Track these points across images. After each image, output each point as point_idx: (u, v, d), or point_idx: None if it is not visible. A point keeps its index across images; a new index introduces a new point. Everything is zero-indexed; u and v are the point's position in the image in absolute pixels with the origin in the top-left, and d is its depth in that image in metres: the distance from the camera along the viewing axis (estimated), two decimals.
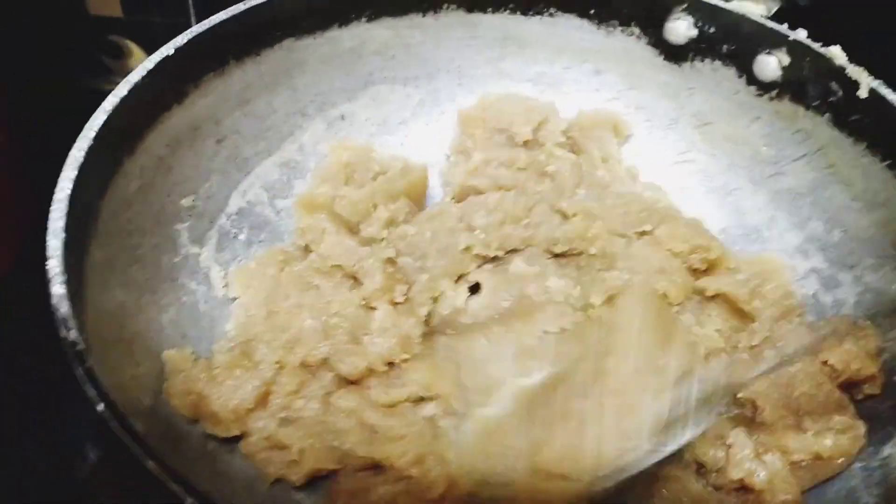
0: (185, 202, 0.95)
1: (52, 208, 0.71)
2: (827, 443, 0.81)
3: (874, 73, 0.92)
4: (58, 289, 0.66)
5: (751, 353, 0.89)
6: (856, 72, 0.92)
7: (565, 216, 0.96)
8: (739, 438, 0.82)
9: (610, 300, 0.88)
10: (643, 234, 0.96)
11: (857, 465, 0.83)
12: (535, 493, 0.77)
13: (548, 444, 0.79)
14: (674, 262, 0.94)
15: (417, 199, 1.04)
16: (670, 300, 0.91)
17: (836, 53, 0.94)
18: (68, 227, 0.71)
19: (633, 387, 0.83)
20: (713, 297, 0.93)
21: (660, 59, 1.09)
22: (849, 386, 0.88)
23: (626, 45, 1.10)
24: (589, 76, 1.15)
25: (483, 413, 0.81)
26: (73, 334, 0.63)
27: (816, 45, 0.95)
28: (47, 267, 0.67)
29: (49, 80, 0.98)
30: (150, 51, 0.87)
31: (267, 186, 1.05)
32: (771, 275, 0.96)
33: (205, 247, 0.97)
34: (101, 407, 0.58)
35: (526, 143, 1.07)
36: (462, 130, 1.10)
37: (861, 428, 0.83)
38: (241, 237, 1.01)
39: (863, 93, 0.92)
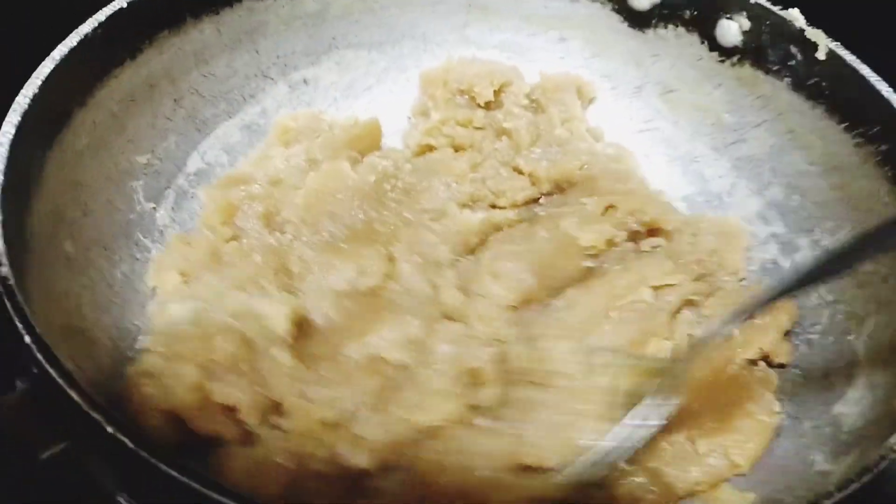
0: (141, 159, 0.94)
1: None
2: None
3: (833, 35, 0.92)
4: None
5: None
6: (814, 34, 0.93)
7: (520, 172, 0.96)
8: None
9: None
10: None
11: (808, 423, 0.83)
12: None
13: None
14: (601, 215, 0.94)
15: (368, 149, 1.04)
16: (580, 244, 0.91)
17: (795, 16, 0.94)
18: (9, 172, 0.71)
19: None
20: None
21: (624, 26, 1.09)
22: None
23: (591, 11, 1.10)
24: (554, 44, 1.14)
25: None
26: (4, 270, 0.62)
27: (776, 8, 0.95)
28: None
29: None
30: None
31: (227, 148, 1.05)
32: (729, 238, 0.96)
33: (161, 205, 0.96)
34: (27, 339, 0.57)
35: (487, 105, 1.07)
36: (423, 91, 1.10)
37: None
38: (199, 197, 1.00)
39: (821, 54, 0.92)
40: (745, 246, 0.98)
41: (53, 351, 0.58)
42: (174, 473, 0.52)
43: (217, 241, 0.92)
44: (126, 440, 0.53)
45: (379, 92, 1.15)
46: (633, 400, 0.77)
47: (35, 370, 0.57)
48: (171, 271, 0.89)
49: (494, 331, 0.83)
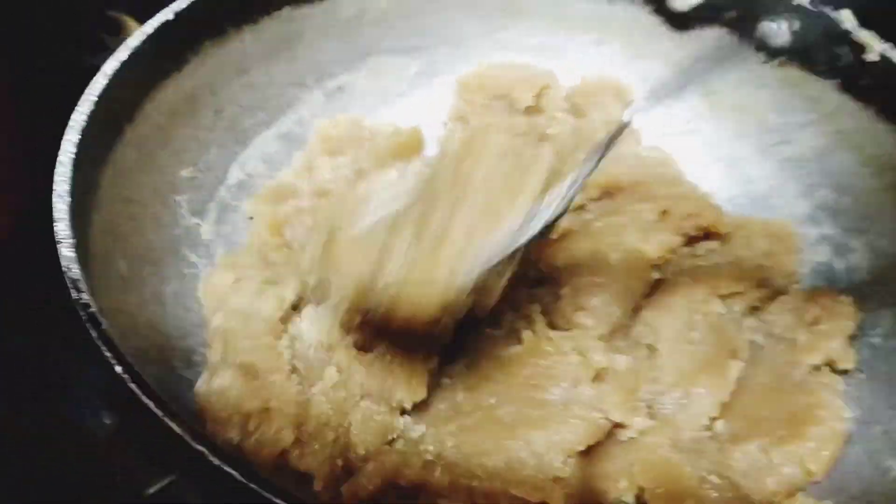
0: (185, 173, 0.92)
1: (56, 171, 0.69)
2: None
3: (884, 36, 0.92)
4: (67, 251, 0.64)
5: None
6: (864, 35, 0.92)
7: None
8: None
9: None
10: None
11: (878, 428, 0.82)
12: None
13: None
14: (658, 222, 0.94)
15: (411, 159, 1.02)
16: (649, 257, 0.90)
17: (845, 17, 0.93)
18: (73, 191, 0.68)
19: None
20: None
21: (664, 28, 1.08)
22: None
23: (629, 13, 1.09)
24: (591, 46, 1.13)
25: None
26: (85, 297, 0.60)
27: (824, 9, 0.94)
28: (55, 229, 0.64)
29: (50, 57, 0.95)
30: None
31: (266, 158, 1.03)
32: (780, 240, 0.96)
33: (205, 219, 0.94)
34: (119, 368, 0.55)
35: (527, 110, 1.05)
36: (460, 97, 1.09)
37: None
38: (242, 210, 0.98)
39: (872, 56, 0.91)
40: (798, 248, 0.97)
41: (146, 380, 0.56)
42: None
43: (266, 251, 0.91)
44: (234, 472, 0.51)
45: (413, 97, 1.13)
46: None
47: (125, 401, 0.55)
48: (219, 285, 0.87)
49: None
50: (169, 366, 0.79)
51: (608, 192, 1.00)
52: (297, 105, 1.06)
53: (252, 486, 0.50)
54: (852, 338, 0.89)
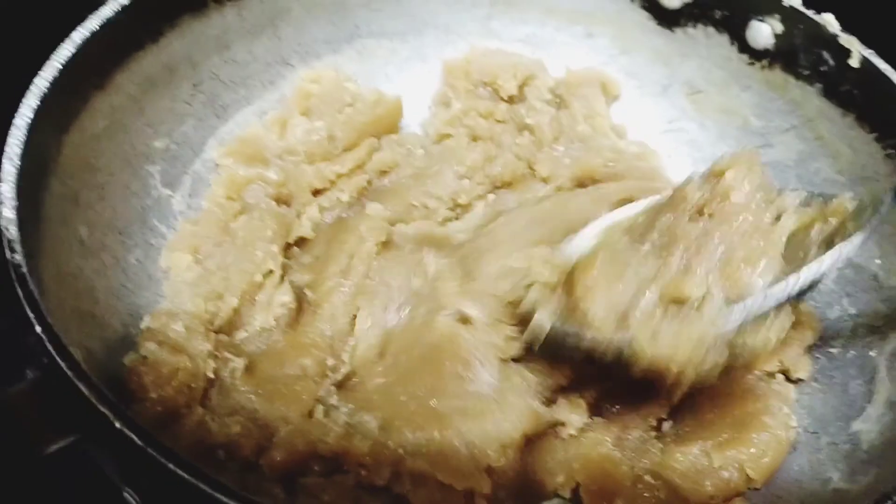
0: (159, 144, 0.93)
1: (9, 135, 0.70)
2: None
3: (867, 43, 0.90)
4: (7, 213, 0.65)
5: None
6: (848, 40, 0.90)
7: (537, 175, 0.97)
8: None
9: None
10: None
11: (825, 439, 0.81)
12: None
13: None
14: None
15: (387, 131, 1.04)
16: None
17: (829, 21, 0.92)
18: (25, 156, 0.70)
19: None
20: None
21: (653, 24, 1.07)
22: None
23: (620, 7, 1.08)
24: (580, 39, 1.12)
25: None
26: (17, 257, 0.62)
27: (809, 12, 0.93)
28: (0, 190, 0.66)
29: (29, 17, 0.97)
30: None
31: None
32: None
33: (178, 191, 0.95)
34: (38, 329, 0.57)
35: (510, 99, 1.06)
36: (445, 81, 1.09)
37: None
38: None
39: (854, 62, 0.90)
40: None
41: (64, 341, 0.57)
42: (181, 472, 0.51)
43: (226, 217, 0.92)
44: (134, 436, 0.52)
45: (400, 81, 1.13)
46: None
47: (45, 360, 0.56)
48: (182, 252, 0.89)
49: None
50: (124, 331, 0.81)
51: (581, 184, 0.99)
52: (280, 83, 1.06)
53: (149, 450, 0.52)
54: (811, 347, 0.88)
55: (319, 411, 0.78)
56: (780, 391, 0.84)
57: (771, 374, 0.86)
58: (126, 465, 0.58)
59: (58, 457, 0.52)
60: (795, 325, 0.86)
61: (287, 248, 0.93)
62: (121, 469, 0.59)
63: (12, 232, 0.63)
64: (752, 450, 0.78)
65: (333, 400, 0.79)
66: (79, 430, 0.54)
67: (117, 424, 0.52)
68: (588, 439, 0.80)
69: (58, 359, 0.55)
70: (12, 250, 0.62)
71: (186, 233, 0.90)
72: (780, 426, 0.80)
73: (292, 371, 0.82)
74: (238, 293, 0.85)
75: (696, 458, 0.79)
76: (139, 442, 0.52)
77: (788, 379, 0.86)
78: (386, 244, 0.92)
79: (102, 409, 0.53)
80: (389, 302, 0.87)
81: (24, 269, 0.61)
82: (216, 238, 0.89)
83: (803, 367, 0.86)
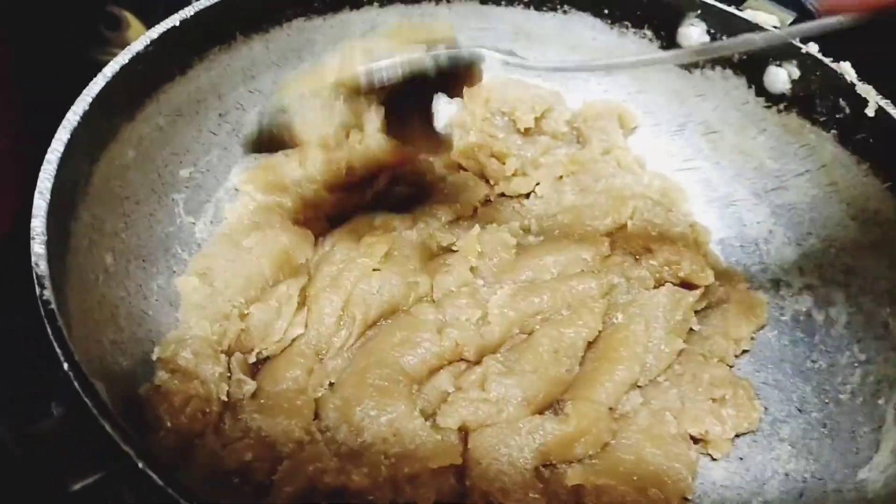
0: (184, 173, 0.96)
1: (42, 169, 0.72)
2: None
3: (883, 93, 0.91)
4: (38, 248, 0.67)
5: None
6: (864, 89, 0.91)
7: None
8: None
9: None
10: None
11: (831, 486, 0.82)
12: None
13: None
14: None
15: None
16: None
17: (846, 69, 0.93)
18: (55, 189, 0.72)
19: None
20: None
21: (671, 64, 1.08)
22: None
23: (638, 47, 1.09)
24: (599, 76, 1.14)
25: None
26: (47, 293, 0.63)
27: (827, 60, 0.94)
28: (32, 225, 0.68)
29: (52, 49, 0.99)
30: (148, 23, 0.87)
31: None
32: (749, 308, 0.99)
33: (200, 218, 0.98)
34: (66, 366, 0.59)
35: (526, 131, 1.07)
36: (465, 106, 1.11)
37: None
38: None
39: (870, 111, 0.91)
40: (761, 324, 0.99)
41: (90, 379, 0.59)
42: None
43: (238, 236, 0.95)
44: (155, 476, 0.54)
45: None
46: None
47: (71, 396, 0.58)
48: (189, 275, 0.91)
49: None
50: (145, 359, 0.83)
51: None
52: None
53: (170, 490, 0.53)
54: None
55: (316, 434, 0.81)
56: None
57: (694, 440, 0.88)
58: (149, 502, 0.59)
59: (83, 494, 0.54)
60: (737, 409, 0.89)
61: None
62: None
63: (42, 268, 0.65)
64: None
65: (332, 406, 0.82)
66: (104, 467, 0.55)
67: (140, 464, 0.54)
68: None
69: (84, 397, 0.57)
70: (42, 286, 0.64)
71: (198, 256, 0.93)
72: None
73: (287, 385, 0.84)
74: (245, 312, 0.88)
75: None
76: (160, 482, 0.54)
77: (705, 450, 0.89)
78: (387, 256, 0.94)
79: (126, 447, 0.54)
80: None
81: (53, 306, 0.63)
82: (227, 254, 0.91)
83: (722, 449, 0.88)
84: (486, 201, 1.08)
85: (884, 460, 0.80)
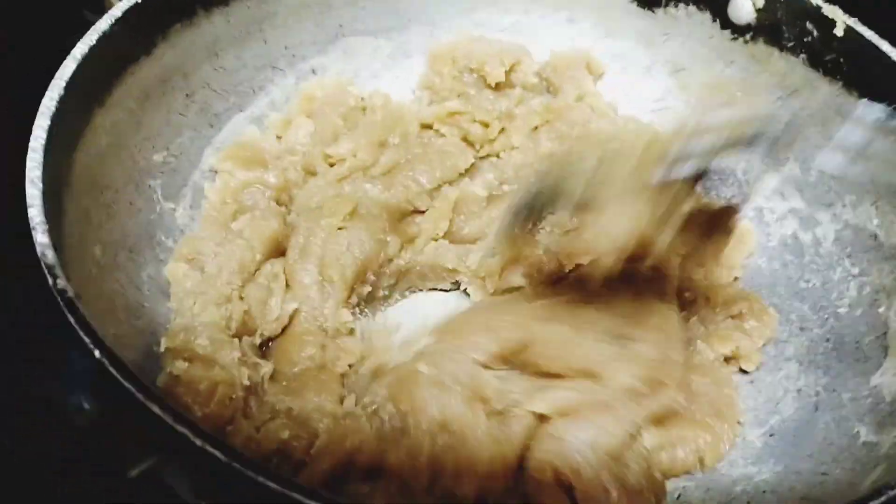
0: (158, 157, 0.92)
1: (28, 157, 0.68)
2: None
3: (850, 12, 0.93)
4: (41, 237, 0.63)
5: None
6: (831, 10, 0.93)
7: None
8: None
9: None
10: None
11: (846, 395, 0.84)
12: None
13: None
14: None
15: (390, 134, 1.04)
16: None
17: None
18: (45, 178, 0.68)
19: None
20: None
21: (634, 6, 1.09)
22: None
23: None
24: (563, 25, 1.14)
25: None
26: (61, 282, 0.60)
27: None
28: (30, 215, 0.64)
29: (31, 37, 0.94)
30: None
31: None
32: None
33: (180, 203, 0.94)
34: (97, 353, 0.55)
35: (497, 86, 1.06)
36: (431, 68, 1.09)
37: None
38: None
39: (838, 31, 0.93)
40: (750, 251, 1.00)
41: (125, 362, 0.56)
42: (270, 483, 0.51)
43: (224, 218, 0.92)
44: (218, 453, 0.51)
45: (386, 78, 1.13)
46: None
47: (106, 385, 0.55)
48: (177, 262, 0.88)
49: None
50: (148, 350, 0.79)
51: None
52: (270, 88, 1.05)
53: (235, 465, 0.51)
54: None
55: (350, 401, 0.79)
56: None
57: (727, 360, 0.90)
58: (204, 483, 0.57)
59: (141, 480, 0.51)
60: (757, 320, 0.91)
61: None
62: (197, 488, 0.58)
63: (50, 257, 0.62)
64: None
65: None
66: (156, 450, 0.53)
67: (198, 443, 0.52)
68: None
69: (125, 383, 0.54)
70: (54, 276, 0.61)
71: (184, 242, 0.90)
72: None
73: (305, 365, 0.83)
74: (244, 295, 0.85)
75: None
76: (223, 458, 0.51)
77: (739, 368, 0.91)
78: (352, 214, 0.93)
79: (181, 428, 0.52)
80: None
81: (71, 294, 0.59)
82: (218, 238, 0.88)
83: (754, 360, 0.90)
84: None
85: (895, 364, 0.82)
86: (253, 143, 0.99)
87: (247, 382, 0.76)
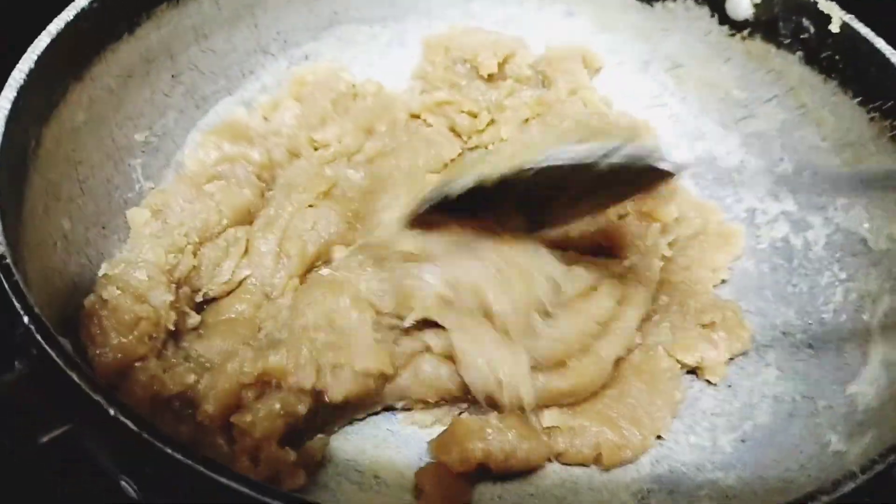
0: (139, 137, 0.92)
1: None
2: None
3: (847, 8, 0.90)
4: None
5: None
6: (827, 6, 0.90)
7: None
8: None
9: None
10: None
11: (821, 402, 0.81)
12: None
13: None
14: None
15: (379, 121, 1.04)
16: None
17: None
18: (5, 148, 0.68)
19: None
20: None
21: (632, 1, 1.07)
22: None
23: None
24: (560, 18, 1.12)
25: None
26: (0, 248, 0.60)
27: None
28: None
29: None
30: None
31: None
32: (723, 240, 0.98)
33: (160, 183, 0.94)
34: (26, 319, 0.56)
35: (490, 77, 1.05)
36: (425, 57, 1.09)
37: None
38: None
39: (834, 27, 0.90)
40: (737, 254, 0.97)
41: (53, 331, 0.56)
42: (181, 457, 0.50)
43: (198, 179, 0.91)
44: (129, 423, 0.51)
45: (381, 66, 1.13)
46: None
47: (34, 351, 0.55)
48: (141, 207, 0.88)
49: None
50: None
51: None
52: (261, 72, 1.06)
53: (145, 435, 0.51)
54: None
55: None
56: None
57: (687, 368, 0.87)
58: (122, 452, 0.57)
59: (52, 446, 0.51)
60: (728, 332, 0.88)
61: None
62: (116, 457, 0.58)
63: None
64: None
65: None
66: (73, 418, 0.53)
67: (111, 412, 0.51)
68: None
69: (47, 348, 0.54)
70: None
71: (153, 194, 0.90)
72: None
73: (229, 316, 0.84)
74: (198, 253, 0.86)
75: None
76: (134, 428, 0.51)
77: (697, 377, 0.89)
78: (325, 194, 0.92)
79: (96, 397, 0.52)
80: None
81: (8, 260, 0.60)
82: (188, 196, 0.88)
83: (718, 373, 0.87)
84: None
85: (872, 373, 0.79)
86: (239, 123, 0.98)
87: (171, 328, 0.77)
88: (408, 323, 0.77)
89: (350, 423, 0.82)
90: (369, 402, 0.80)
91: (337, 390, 0.73)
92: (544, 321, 0.79)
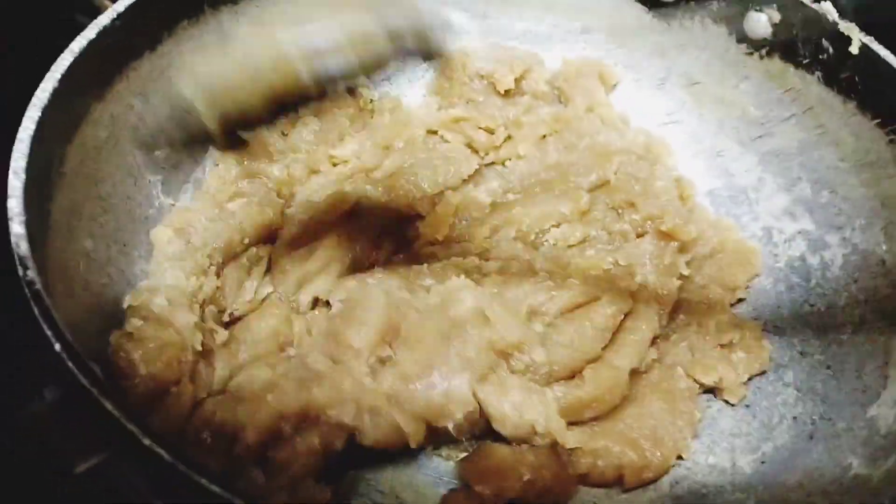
0: (159, 154, 0.92)
1: (14, 149, 0.69)
2: None
3: (867, 30, 0.90)
4: (17, 228, 0.63)
5: None
6: (847, 27, 0.90)
7: None
8: None
9: None
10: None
11: (841, 424, 0.81)
12: None
13: None
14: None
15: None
16: None
17: (828, 9, 0.92)
18: (30, 168, 0.68)
19: None
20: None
21: (649, 17, 1.07)
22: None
23: (615, 2, 1.08)
24: (577, 34, 1.12)
25: None
26: (30, 273, 0.60)
27: (807, 1, 0.93)
28: (8, 205, 0.64)
29: (25, 38, 0.95)
30: None
31: None
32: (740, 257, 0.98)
33: (180, 199, 0.94)
34: (57, 346, 0.56)
35: (507, 93, 1.05)
36: (442, 73, 1.09)
37: None
38: None
39: (854, 49, 0.90)
40: (755, 273, 0.98)
41: (84, 357, 0.56)
42: (215, 488, 0.50)
43: (220, 197, 0.92)
44: (163, 453, 0.51)
45: (399, 82, 1.13)
46: None
47: (66, 378, 0.55)
48: (164, 226, 0.88)
49: None
50: None
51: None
52: None
53: (180, 466, 0.51)
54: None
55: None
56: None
57: (706, 388, 0.88)
58: (156, 479, 0.57)
59: (89, 476, 0.51)
60: (747, 352, 0.89)
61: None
62: (151, 484, 0.58)
63: (23, 248, 0.62)
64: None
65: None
66: (107, 447, 0.53)
67: (146, 442, 0.51)
68: None
69: (80, 377, 0.54)
70: (25, 266, 0.61)
71: (176, 212, 0.90)
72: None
73: (263, 334, 0.84)
74: (221, 273, 0.86)
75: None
76: (168, 458, 0.51)
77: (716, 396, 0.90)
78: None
79: (130, 426, 0.52)
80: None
81: (39, 286, 0.60)
82: (210, 214, 0.88)
83: (737, 394, 0.88)
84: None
85: (893, 395, 0.79)
86: (258, 137, 0.98)
87: (199, 347, 0.77)
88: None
89: None
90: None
91: (369, 435, 0.73)
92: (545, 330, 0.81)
